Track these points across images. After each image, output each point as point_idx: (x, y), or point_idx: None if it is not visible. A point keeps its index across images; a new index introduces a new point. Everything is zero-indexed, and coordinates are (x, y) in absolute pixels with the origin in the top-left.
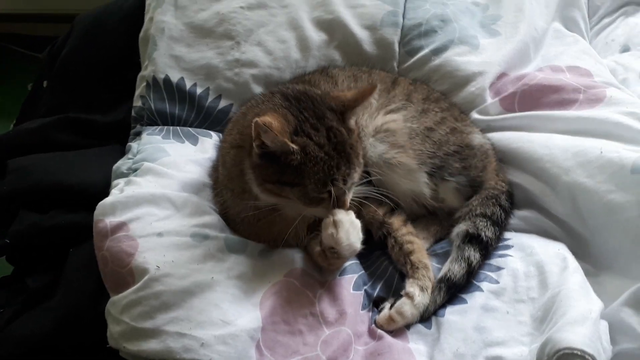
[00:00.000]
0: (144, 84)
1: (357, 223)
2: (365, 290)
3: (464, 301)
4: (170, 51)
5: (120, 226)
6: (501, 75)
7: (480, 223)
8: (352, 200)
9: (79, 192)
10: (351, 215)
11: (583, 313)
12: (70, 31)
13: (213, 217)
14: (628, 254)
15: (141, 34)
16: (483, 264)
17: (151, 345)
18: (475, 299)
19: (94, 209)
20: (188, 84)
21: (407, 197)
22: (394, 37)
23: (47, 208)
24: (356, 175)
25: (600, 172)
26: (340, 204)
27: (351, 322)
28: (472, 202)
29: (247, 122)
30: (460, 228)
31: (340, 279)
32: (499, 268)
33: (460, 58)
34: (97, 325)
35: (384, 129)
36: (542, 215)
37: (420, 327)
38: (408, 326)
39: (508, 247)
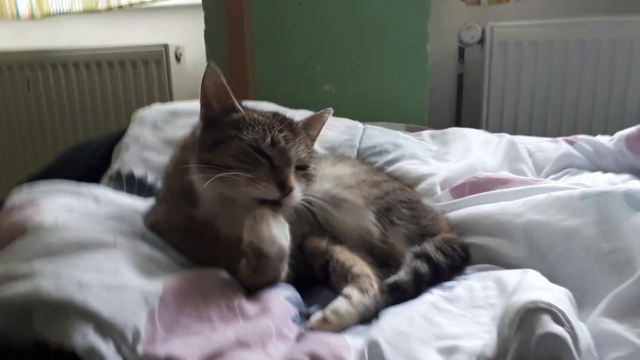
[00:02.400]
0: (106, 180)
1: (284, 222)
2: (299, 311)
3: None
4: (140, 155)
5: (31, 203)
6: (449, 179)
7: (430, 249)
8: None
9: None
10: (279, 215)
11: (547, 285)
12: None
13: (133, 223)
14: (593, 272)
15: (116, 146)
16: (434, 283)
17: (14, 288)
18: (423, 298)
19: None
20: (150, 179)
21: (353, 235)
22: (351, 154)
23: None
24: (302, 149)
25: (550, 208)
26: (282, 177)
27: (276, 319)
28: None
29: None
30: (407, 256)
31: (270, 290)
32: (451, 286)
33: (411, 166)
34: None
35: (330, 174)
36: (500, 266)
37: (359, 327)
38: (344, 330)
39: (464, 278)
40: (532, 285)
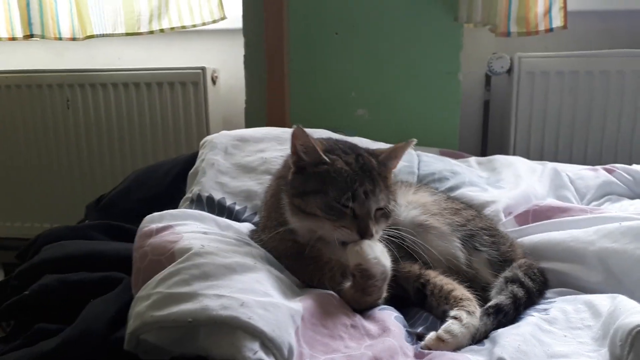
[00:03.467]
0: (187, 202)
1: (383, 248)
2: (407, 331)
3: (517, 321)
4: (216, 179)
5: (166, 228)
6: (510, 206)
7: (520, 274)
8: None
9: (111, 256)
10: (376, 242)
11: None
12: (120, 183)
13: (258, 247)
14: None
15: (191, 171)
16: (529, 306)
17: (184, 306)
18: (527, 320)
19: (124, 269)
20: (228, 202)
21: (441, 259)
22: (411, 180)
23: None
24: (381, 197)
25: (624, 237)
26: (362, 226)
27: (397, 337)
28: (505, 271)
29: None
30: (499, 281)
31: (380, 311)
32: (545, 309)
33: (473, 193)
34: (110, 352)
35: (414, 200)
36: (576, 289)
37: (473, 347)
38: (459, 349)
39: (550, 302)
40: (636, 309)
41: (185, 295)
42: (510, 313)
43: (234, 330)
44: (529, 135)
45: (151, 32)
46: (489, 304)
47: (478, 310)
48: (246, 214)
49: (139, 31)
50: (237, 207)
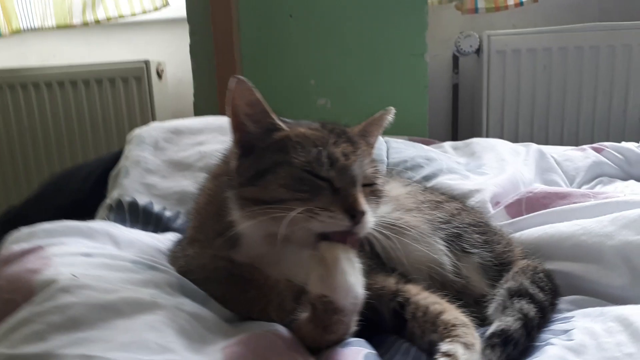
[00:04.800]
0: (105, 211)
1: (356, 262)
2: None
3: (533, 353)
4: (142, 179)
5: (34, 250)
6: (498, 194)
7: (527, 284)
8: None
9: None
10: (350, 253)
11: None
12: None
13: (167, 271)
14: None
15: (113, 172)
16: (542, 326)
17: None
18: (546, 352)
19: None
20: (156, 208)
21: (422, 268)
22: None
23: None
24: (367, 163)
25: None
26: (349, 201)
27: None
28: (505, 279)
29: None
30: (499, 293)
31: (343, 349)
32: (565, 331)
33: (452, 182)
34: None
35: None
36: (595, 297)
37: None
38: None
39: (568, 318)
40: None
41: (34, 358)
42: (521, 341)
43: None
44: (502, 118)
45: (86, 24)
46: (492, 329)
47: (478, 341)
48: (179, 221)
49: (71, 23)
50: (167, 214)
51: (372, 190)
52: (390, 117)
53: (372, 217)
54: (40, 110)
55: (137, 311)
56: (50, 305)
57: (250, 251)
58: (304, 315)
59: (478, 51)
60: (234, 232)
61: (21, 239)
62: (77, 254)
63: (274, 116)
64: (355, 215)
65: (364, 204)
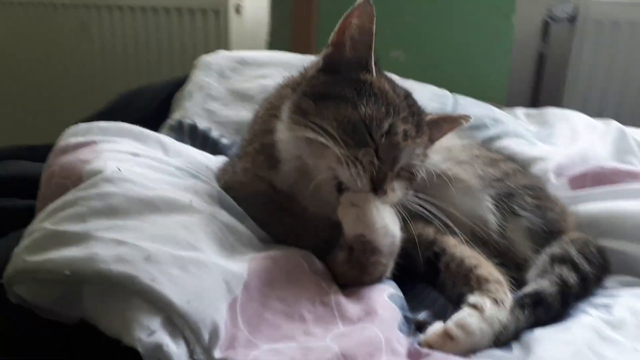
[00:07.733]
0: (166, 130)
1: (391, 210)
2: (404, 316)
3: (565, 320)
4: (204, 104)
5: (87, 144)
6: (563, 166)
7: (573, 252)
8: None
9: None
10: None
11: None
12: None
13: (209, 182)
14: None
15: (177, 94)
16: (582, 297)
17: (66, 252)
18: (581, 321)
19: None
20: (214, 134)
21: (465, 222)
22: None
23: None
24: (417, 153)
25: None
26: (380, 175)
27: (385, 325)
28: (551, 245)
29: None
30: (542, 258)
31: (369, 286)
32: (606, 305)
33: (517, 147)
34: None
35: (437, 145)
36: None
37: (494, 351)
38: (474, 352)
39: (613, 295)
40: None
41: (72, 235)
42: (555, 306)
43: (129, 296)
44: (588, 95)
45: None
46: (526, 290)
47: (509, 299)
48: (234, 150)
49: None
50: (224, 141)
51: (409, 175)
52: (464, 125)
53: (395, 198)
54: (122, 35)
55: (172, 210)
56: (93, 192)
57: (286, 177)
58: (340, 254)
59: (572, 19)
60: (274, 149)
61: (78, 133)
62: (126, 152)
63: (372, 56)
64: (378, 190)
65: (389, 187)
